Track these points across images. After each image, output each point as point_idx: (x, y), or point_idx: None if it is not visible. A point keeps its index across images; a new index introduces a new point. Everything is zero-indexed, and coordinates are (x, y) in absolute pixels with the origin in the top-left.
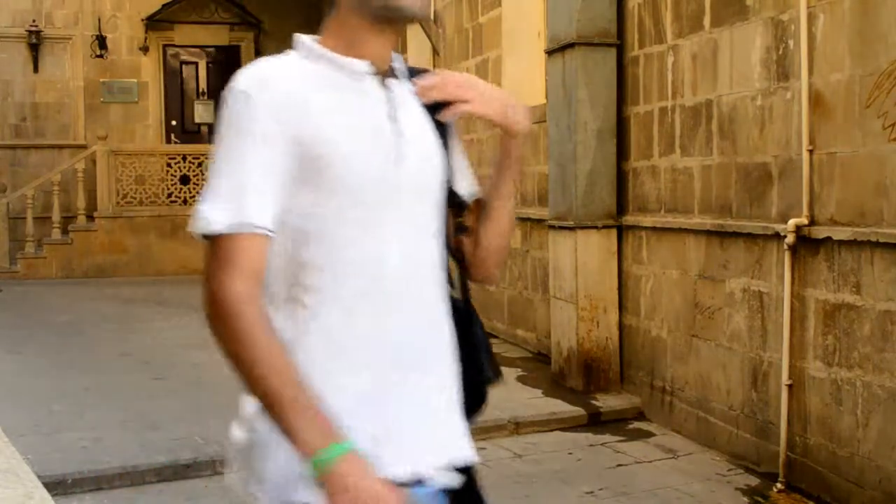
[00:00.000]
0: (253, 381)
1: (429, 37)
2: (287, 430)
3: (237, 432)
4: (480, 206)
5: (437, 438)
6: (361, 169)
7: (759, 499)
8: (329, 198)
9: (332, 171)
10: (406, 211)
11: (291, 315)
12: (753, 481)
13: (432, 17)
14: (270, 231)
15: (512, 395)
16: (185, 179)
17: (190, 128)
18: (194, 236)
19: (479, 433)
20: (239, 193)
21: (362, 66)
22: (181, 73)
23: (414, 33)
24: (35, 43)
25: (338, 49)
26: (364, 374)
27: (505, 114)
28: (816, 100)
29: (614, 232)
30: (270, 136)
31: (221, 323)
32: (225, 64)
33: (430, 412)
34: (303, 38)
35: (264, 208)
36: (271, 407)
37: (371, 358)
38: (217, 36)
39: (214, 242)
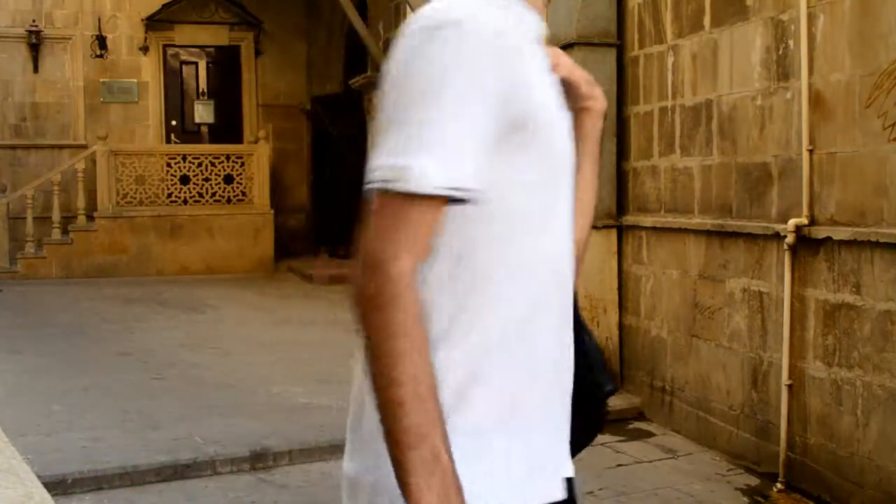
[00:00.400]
0: (385, 384)
1: None
2: (402, 474)
3: (353, 465)
4: None
5: (566, 451)
6: (560, 145)
7: (759, 499)
8: (525, 173)
9: (539, 144)
10: (568, 196)
11: (454, 304)
12: (753, 481)
13: None
14: (475, 200)
15: None
16: (185, 179)
17: (190, 128)
18: (372, 191)
19: None
20: (457, 148)
21: (540, 22)
22: (181, 73)
23: None
24: (35, 43)
25: None
26: (536, 387)
27: (590, 85)
28: (816, 100)
29: (614, 232)
30: (487, 87)
31: (375, 303)
32: (225, 64)
33: (566, 422)
34: None
35: (478, 171)
36: (396, 433)
37: (542, 368)
38: (217, 36)
39: (398, 204)
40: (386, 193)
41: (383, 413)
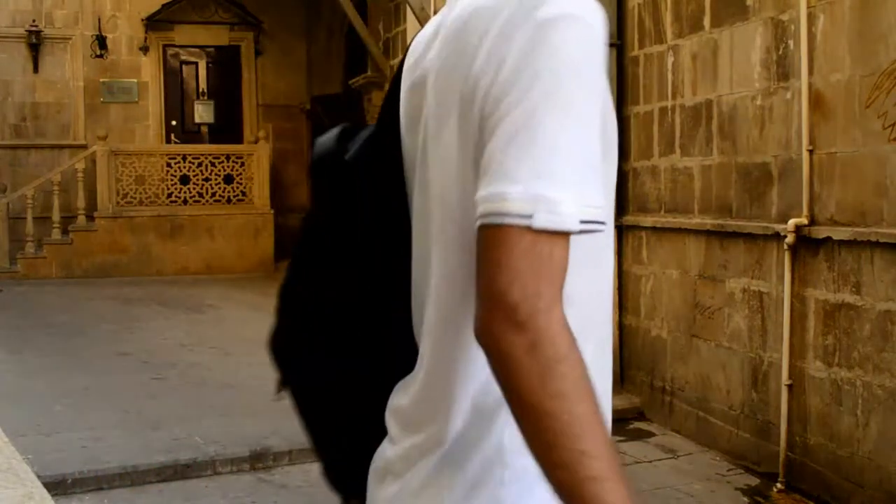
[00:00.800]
0: (572, 460)
1: None
2: None
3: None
4: None
5: None
6: (613, 179)
7: (759, 499)
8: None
9: (611, 152)
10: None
11: None
12: (753, 481)
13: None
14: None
15: None
16: (185, 179)
17: (190, 128)
18: (503, 226)
19: None
20: (589, 175)
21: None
22: (181, 73)
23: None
24: (35, 43)
25: None
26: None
27: None
28: (816, 100)
29: (614, 232)
30: (601, 94)
31: (542, 366)
32: (225, 64)
33: None
34: None
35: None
36: None
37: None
38: (217, 36)
39: (542, 242)
40: (526, 230)
41: (569, 494)
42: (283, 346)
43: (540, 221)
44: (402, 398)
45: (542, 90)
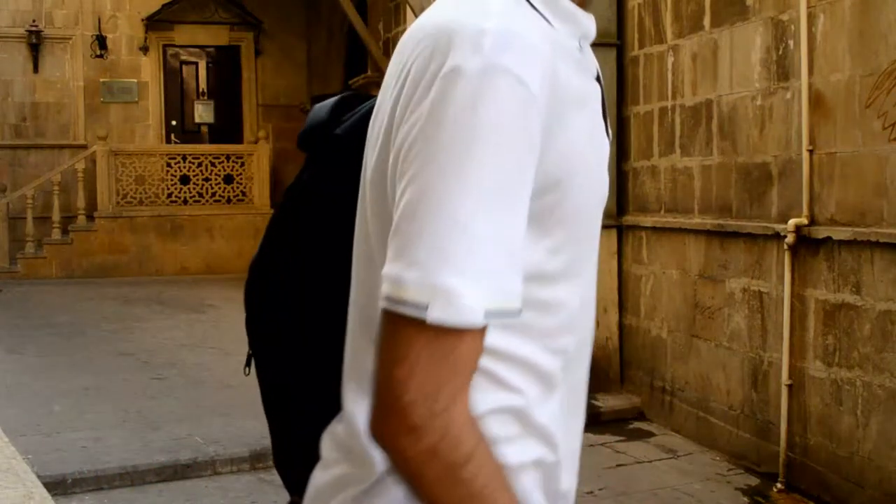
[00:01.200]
0: None
1: None
2: None
3: None
4: None
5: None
6: (596, 195)
7: (759, 499)
8: (550, 238)
9: (571, 200)
10: (596, 243)
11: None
12: (753, 481)
13: None
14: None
15: None
16: (185, 179)
17: (190, 128)
18: (399, 315)
19: None
20: (505, 259)
21: (591, 23)
22: (181, 73)
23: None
24: (35, 43)
25: None
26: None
27: None
28: (816, 100)
29: (614, 232)
30: (532, 155)
31: (441, 468)
32: (225, 64)
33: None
34: None
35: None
36: None
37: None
38: (217, 36)
39: (442, 337)
40: (422, 322)
41: None
42: (255, 308)
43: (435, 315)
44: (338, 423)
45: (447, 158)
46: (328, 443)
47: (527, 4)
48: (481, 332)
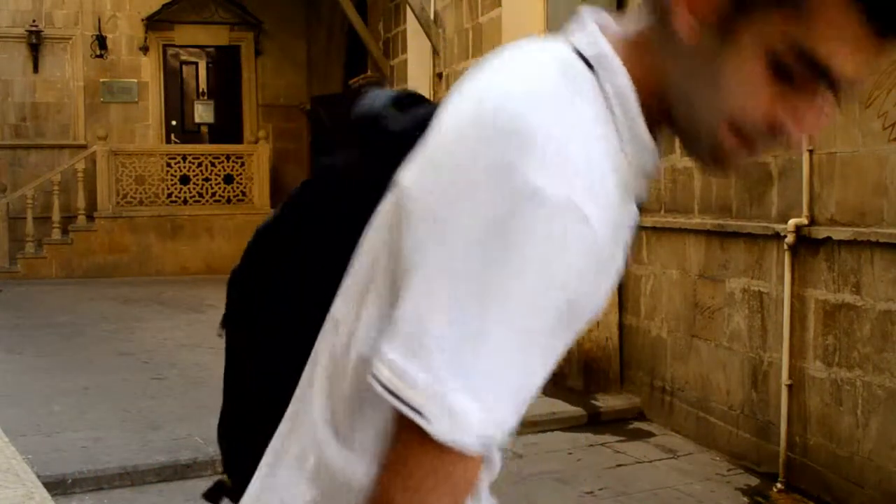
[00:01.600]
0: None
1: (429, 37)
2: None
3: None
4: None
5: None
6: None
7: (759, 499)
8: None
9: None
10: None
11: None
12: (753, 481)
13: (432, 17)
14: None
15: None
16: (185, 179)
17: (190, 128)
18: (407, 424)
19: None
20: (516, 390)
21: (656, 160)
22: (181, 73)
23: (414, 33)
24: (35, 43)
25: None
26: None
27: None
28: None
29: None
30: (564, 298)
31: None
32: (225, 64)
33: None
34: (606, 49)
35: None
36: None
37: None
38: (217, 36)
39: (444, 455)
40: (424, 436)
41: None
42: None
43: (438, 431)
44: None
45: (501, 282)
46: (270, 450)
47: (611, 119)
48: (480, 457)
